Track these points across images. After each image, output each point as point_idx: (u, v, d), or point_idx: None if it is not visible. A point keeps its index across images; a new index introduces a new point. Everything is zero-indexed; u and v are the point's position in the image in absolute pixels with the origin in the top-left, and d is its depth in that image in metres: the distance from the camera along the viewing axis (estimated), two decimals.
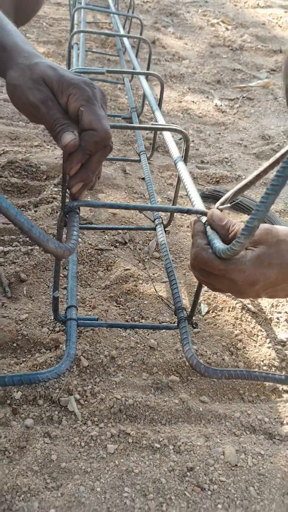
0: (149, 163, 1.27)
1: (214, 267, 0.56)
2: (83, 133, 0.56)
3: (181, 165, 0.81)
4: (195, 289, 0.91)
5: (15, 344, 0.78)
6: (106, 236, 1.04)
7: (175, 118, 1.66)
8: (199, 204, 0.67)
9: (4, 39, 0.58)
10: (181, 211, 0.64)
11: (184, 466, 0.65)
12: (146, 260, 1.01)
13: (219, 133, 1.58)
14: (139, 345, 0.81)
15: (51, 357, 0.75)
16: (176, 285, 0.80)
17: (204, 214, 0.64)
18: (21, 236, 1.00)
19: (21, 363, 0.76)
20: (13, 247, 0.97)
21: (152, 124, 0.83)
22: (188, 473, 0.65)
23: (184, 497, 0.62)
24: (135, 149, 1.33)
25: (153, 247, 1.03)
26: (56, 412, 0.70)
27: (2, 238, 0.98)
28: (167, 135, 0.87)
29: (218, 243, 0.60)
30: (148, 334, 0.83)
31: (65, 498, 0.60)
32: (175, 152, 0.84)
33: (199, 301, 0.92)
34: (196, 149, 1.45)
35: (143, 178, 1.23)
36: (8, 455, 0.64)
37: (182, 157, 0.84)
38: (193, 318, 0.77)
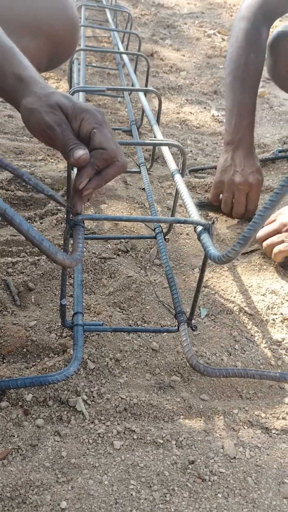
0: (149, 174, 1.32)
1: None
2: (94, 151, 0.63)
3: (178, 178, 0.86)
4: (194, 294, 0.96)
5: (25, 350, 0.83)
6: (109, 245, 1.09)
7: (174, 129, 1.71)
8: (195, 215, 0.72)
9: (21, 72, 0.65)
10: (179, 221, 0.69)
11: (186, 459, 0.70)
12: (147, 267, 1.06)
13: (216, 143, 1.64)
14: (142, 348, 0.86)
15: (59, 361, 0.80)
16: (176, 290, 0.85)
17: (200, 224, 0.69)
18: (28, 247, 1.05)
19: (31, 367, 0.80)
20: (21, 257, 1.02)
21: (150, 140, 0.88)
22: (189, 466, 0.69)
23: (186, 488, 0.66)
24: (135, 161, 1.38)
25: (154, 255, 1.08)
26: (65, 412, 0.74)
27: (10, 249, 1.03)
28: (165, 149, 0.92)
29: (213, 250, 0.65)
30: (151, 337, 0.88)
31: (75, 491, 0.64)
32: (172, 165, 0.89)
33: (198, 305, 0.97)
34: (194, 159, 1.50)
35: (143, 189, 1.28)
36: (21, 452, 0.68)
37: (180, 170, 0.89)
38: (193, 321, 0.81)
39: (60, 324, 0.87)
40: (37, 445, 0.69)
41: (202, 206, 1.26)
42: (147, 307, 0.95)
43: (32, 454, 0.68)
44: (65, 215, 0.99)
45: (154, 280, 1.02)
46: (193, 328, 0.81)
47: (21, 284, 0.94)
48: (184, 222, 0.69)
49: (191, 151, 1.56)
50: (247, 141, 1.16)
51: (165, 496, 0.65)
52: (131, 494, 0.65)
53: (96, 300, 0.95)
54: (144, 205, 1.24)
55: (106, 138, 0.63)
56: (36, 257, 1.01)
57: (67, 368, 0.69)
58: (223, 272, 1.06)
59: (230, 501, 0.66)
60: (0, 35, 0.68)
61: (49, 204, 1.18)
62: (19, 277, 0.96)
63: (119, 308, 0.94)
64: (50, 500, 0.63)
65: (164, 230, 1.05)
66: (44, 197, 1.21)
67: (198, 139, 1.65)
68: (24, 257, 1.02)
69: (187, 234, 1.17)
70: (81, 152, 0.60)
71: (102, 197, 1.24)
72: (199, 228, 0.70)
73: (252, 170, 1.14)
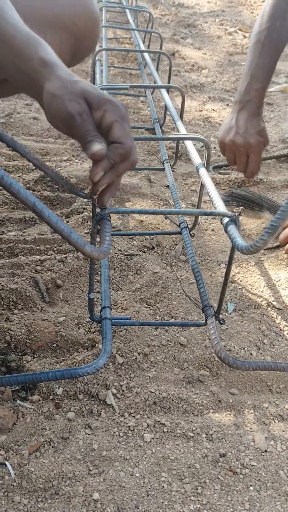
0: (172, 171, 1.32)
1: None
2: (111, 145, 0.63)
3: (203, 171, 0.86)
4: (221, 288, 0.96)
5: (54, 345, 0.84)
6: (134, 242, 1.10)
7: (197, 127, 1.71)
8: (221, 207, 0.71)
9: (46, 56, 0.65)
10: (205, 213, 0.69)
11: (216, 452, 0.69)
12: (173, 263, 1.06)
13: None
14: (170, 343, 0.86)
15: (88, 355, 0.81)
16: (203, 284, 0.85)
17: (227, 216, 0.69)
18: (55, 245, 1.06)
19: (61, 362, 0.81)
20: (49, 255, 1.03)
21: (175, 134, 0.88)
22: (220, 459, 0.69)
23: (217, 481, 0.66)
24: (159, 159, 1.39)
25: (180, 251, 1.08)
26: (95, 406, 0.75)
27: (38, 248, 1.05)
28: (189, 144, 0.92)
29: (241, 241, 0.65)
30: (178, 332, 0.88)
31: (107, 483, 0.65)
32: (197, 159, 0.89)
33: (225, 299, 0.96)
34: (218, 156, 1.50)
35: (168, 186, 1.28)
36: (53, 445, 0.69)
37: (204, 164, 0.89)
38: (220, 315, 0.81)
39: (88, 319, 0.88)
40: (68, 437, 0.70)
41: (225, 201, 1.25)
42: (174, 302, 0.95)
43: (63, 446, 0.69)
44: (91, 211, 1.00)
45: (180, 276, 1.02)
46: (221, 321, 0.81)
47: (49, 281, 0.96)
48: (211, 214, 0.68)
49: (214, 147, 1.55)
50: (255, 104, 1.13)
51: (197, 489, 0.65)
52: (163, 486, 0.65)
53: (123, 296, 0.95)
54: (169, 202, 1.25)
55: (126, 133, 0.62)
56: (63, 254, 1.02)
57: (97, 361, 0.70)
58: (249, 267, 1.05)
59: (263, 494, 0.65)
60: (24, 26, 0.68)
61: (75, 203, 1.20)
62: (47, 274, 0.97)
63: (146, 304, 0.94)
64: (83, 491, 0.63)
65: (189, 226, 1.05)
66: (70, 196, 1.23)
67: None
68: (51, 255, 1.04)
69: (213, 230, 1.17)
70: (98, 147, 0.60)
71: (127, 195, 1.25)
72: (226, 219, 0.70)
73: (254, 131, 1.12)
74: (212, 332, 0.76)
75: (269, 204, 1.21)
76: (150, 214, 0.82)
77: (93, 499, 0.63)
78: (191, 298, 0.93)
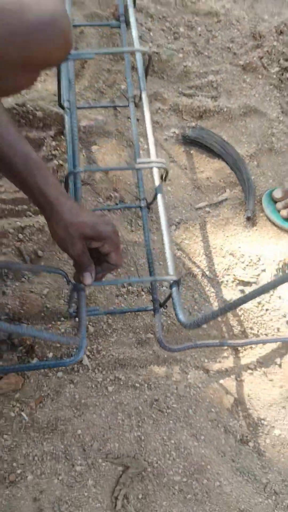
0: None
1: None
2: (107, 264, 0.85)
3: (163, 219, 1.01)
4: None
5: (42, 314, 1.15)
6: (100, 198, 1.26)
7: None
8: (170, 267, 0.94)
9: (46, 189, 0.76)
10: (153, 281, 0.92)
11: (152, 398, 1.12)
12: (133, 220, 1.27)
13: (211, 30, 1.53)
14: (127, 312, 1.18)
15: (68, 327, 1.13)
16: (156, 284, 1.11)
17: (171, 280, 0.93)
18: (31, 205, 1.23)
19: (48, 329, 1.14)
20: (27, 217, 1.21)
21: (137, 163, 0.99)
22: (154, 403, 1.12)
23: (151, 418, 1.11)
24: (122, 92, 1.37)
25: None
26: (76, 365, 1.12)
27: (17, 209, 1.21)
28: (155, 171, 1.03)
29: (180, 314, 0.92)
30: (133, 301, 1.19)
31: (85, 422, 1.07)
32: (163, 218, 1.02)
33: None
34: (184, 66, 1.46)
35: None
36: (51, 397, 1.08)
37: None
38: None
39: (67, 290, 1.16)
40: (59, 391, 1.09)
41: (188, 142, 1.35)
42: (132, 269, 1.22)
43: (57, 397, 1.09)
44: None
45: (135, 241, 1.25)
46: (165, 307, 1.12)
47: (31, 252, 1.18)
48: (154, 280, 0.92)
49: (182, 48, 1.48)
50: None
51: (139, 423, 1.10)
52: (119, 422, 1.09)
53: None
54: (132, 142, 1.34)
55: (119, 258, 0.84)
56: (39, 218, 1.21)
57: (75, 357, 1.02)
58: (195, 231, 1.28)
59: (177, 425, 1.11)
60: (24, 146, 0.75)
61: (44, 148, 1.28)
62: (29, 244, 1.19)
63: None
64: (71, 429, 1.07)
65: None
66: (39, 137, 1.29)
67: (192, 24, 1.53)
68: (29, 216, 1.21)
69: (170, 180, 1.32)
70: (89, 281, 0.83)
71: (93, 137, 1.32)
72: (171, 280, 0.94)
73: None
74: (157, 330, 1.08)
75: (226, 151, 1.33)
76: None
77: (77, 434, 1.07)
78: (143, 287, 1.20)
